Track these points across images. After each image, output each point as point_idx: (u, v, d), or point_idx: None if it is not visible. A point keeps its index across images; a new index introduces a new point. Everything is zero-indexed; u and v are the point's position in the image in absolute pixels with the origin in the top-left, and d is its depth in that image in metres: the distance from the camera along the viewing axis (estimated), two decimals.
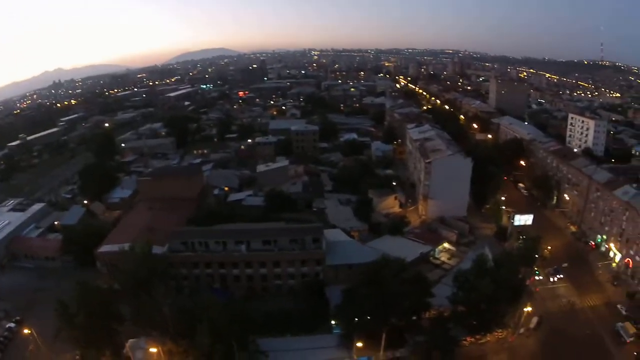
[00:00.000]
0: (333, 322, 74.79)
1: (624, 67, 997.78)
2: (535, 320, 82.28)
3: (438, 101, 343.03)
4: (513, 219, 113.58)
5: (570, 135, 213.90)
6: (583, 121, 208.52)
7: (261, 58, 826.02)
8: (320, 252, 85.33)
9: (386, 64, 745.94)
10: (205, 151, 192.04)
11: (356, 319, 69.51)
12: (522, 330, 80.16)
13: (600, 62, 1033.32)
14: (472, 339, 77.14)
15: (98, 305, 63.27)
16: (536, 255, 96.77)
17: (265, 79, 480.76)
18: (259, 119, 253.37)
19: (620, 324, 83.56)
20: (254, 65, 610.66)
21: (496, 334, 78.48)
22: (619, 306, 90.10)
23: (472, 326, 76.88)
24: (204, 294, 73.17)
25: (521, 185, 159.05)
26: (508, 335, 78.98)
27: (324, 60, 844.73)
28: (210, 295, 69.82)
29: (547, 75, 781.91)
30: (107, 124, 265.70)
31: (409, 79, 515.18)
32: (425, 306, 75.24)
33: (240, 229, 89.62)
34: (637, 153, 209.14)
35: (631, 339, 79.60)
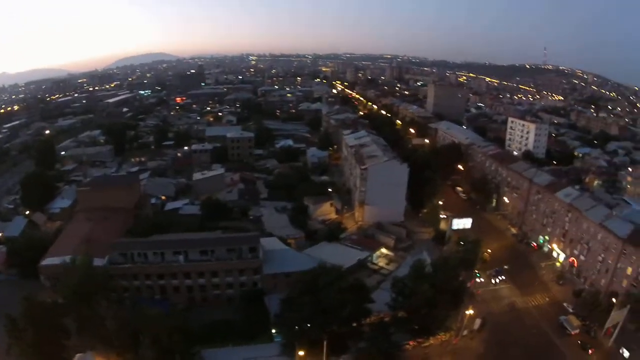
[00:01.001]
0: (274, 330, 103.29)
1: (567, 70, 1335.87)
2: (478, 322, 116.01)
3: (375, 106, 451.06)
4: (451, 222, 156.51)
5: (510, 139, 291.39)
6: (523, 125, 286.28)
7: (199, 63, 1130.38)
8: (258, 261, 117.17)
9: (324, 69, 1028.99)
10: (143, 159, 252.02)
11: (297, 328, 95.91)
12: (465, 333, 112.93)
13: (543, 66, 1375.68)
14: (415, 343, 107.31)
15: (45, 320, 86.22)
16: (476, 258, 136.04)
17: (203, 84, 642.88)
18: (195, 126, 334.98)
19: (563, 317, 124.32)
20: (192, 71, 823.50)
21: (439, 337, 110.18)
22: (565, 304, 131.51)
23: (414, 330, 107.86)
24: (144, 306, 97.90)
25: (460, 189, 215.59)
26: (451, 337, 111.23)
27: (262, 65, 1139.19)
28: (150, 307, 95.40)
29: (488, 79, 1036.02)
30: (47, 131, 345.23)
31: (346, 84, 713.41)
32: (365, 312, 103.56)
33: (178, 240, 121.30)
34: (580, 155, 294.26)
35: (576, 330, 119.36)
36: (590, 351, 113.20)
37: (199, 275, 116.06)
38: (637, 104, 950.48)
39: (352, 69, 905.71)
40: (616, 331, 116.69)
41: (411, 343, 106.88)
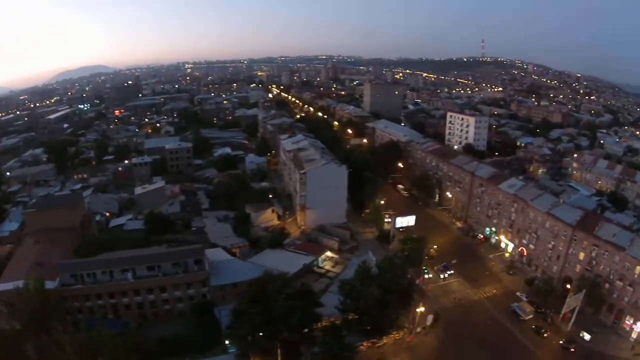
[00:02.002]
0: (227, 342, 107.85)
1: (506, 61, 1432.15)
2: (430, 317, 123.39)
3: (311, 109, 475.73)
4: (394, 221, 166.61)
5: (449, 133, 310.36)
6: (462, 118, 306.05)
7: (136, 74, 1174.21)
8: (204, 274, 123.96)
9: (259, 74, 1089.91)
10: (85, 175, 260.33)
11: (249, 337, 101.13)
12: (419, 329, 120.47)
13: (481, 59, 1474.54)
14: (369, 344, 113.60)
15: (4, 348, 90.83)
16: (422, 255, 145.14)
17: (140, 95, 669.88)
18: (134, 139, 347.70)
19: (515, 304, 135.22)
20: (129, 82, 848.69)
21: (393, 335, 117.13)
22: (518, 293, 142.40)
23: (366, 331, 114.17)
24: (98, 327, 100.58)
25: (401, 187, 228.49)
26: (405, 335, 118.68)
27: (197, 73, 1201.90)
28: (104, 328, 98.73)
29: (425, 74, 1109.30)
30: None
31: (282, 87, 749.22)
32: (315, 318, 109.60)
33: (125, 257, 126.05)
34: (522, 144, 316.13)
35: (529, 316, 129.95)
36: (545, 335, 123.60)
37: (148, 292, 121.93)
38: (580, 91, 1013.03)
39: (287, 72, 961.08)
40: (574, 315, 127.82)
41: (365, 344, 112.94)
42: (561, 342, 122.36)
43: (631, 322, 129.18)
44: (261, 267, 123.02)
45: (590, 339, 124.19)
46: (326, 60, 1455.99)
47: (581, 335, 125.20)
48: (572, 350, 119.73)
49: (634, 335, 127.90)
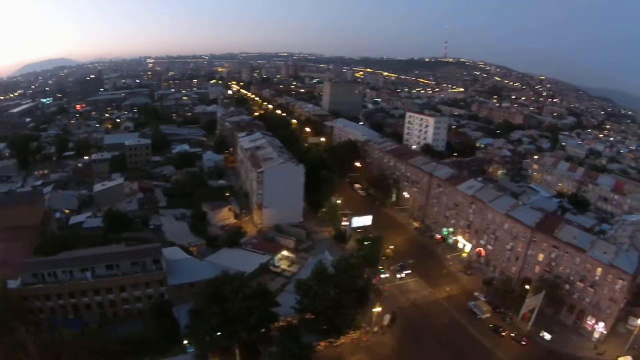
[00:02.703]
0: (186, 341, 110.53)
1: (468, 62, 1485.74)
2: (387, 317, 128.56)
3: (271, 106, 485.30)
4: (351, 220, 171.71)
5: (408, 133, 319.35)
6: (422, 119, 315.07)
7: (98, 68, 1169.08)
8: (162, 273, 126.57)
9: (219, 70, 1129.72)
10: (46, 172, 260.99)
11: (207, 337, 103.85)
12: (376, 329, 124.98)
13: (443, 59, 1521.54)
14: (326, 343, 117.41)
15: None
16: (379, 255, 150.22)
17: (102, 90, 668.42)
18: (94, 134, 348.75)
19: (472, 303, 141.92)
20: (92, 76, 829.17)
21: (350, 335, 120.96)
22: (476, 293, 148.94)
23: (323, 331, 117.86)
24: (59, 327, 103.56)
25: (358, 186, 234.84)
26: (362, 335, 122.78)
27: (159, 68, 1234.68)
28: (65, 328, 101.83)
29: (385, 74, 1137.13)
30: None
31: (242, 84, 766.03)
32: (272, 318, 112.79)
33: (84, 256, 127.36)
34: (482, 145, 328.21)
35: (486, 315, 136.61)
36: (503, 334, 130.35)
37: (107, 291, 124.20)
38: (543, 93, 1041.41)
39: (247, 68, 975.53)
40: (533, 315, 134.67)
41: (322, 344, 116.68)
42: (512, 334, 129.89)
43: (593, 322, 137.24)
44: (218, 267, 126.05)
45: (551, 338, 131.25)
46: (287, 57, 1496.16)
47: (541, 334, 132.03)
48: (524, 343, 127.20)
49: (596, 335, 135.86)
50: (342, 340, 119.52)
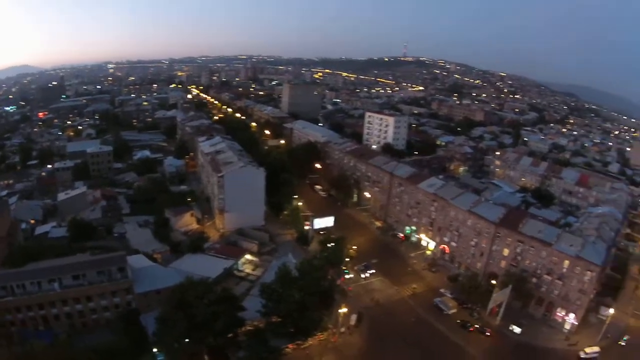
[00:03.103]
0: (155, 349, 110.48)
1: (428, 61, 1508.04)
2: (354, 317, 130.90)
3: (230, 109, 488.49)
4: (312, 222, 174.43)
5: (368, 133, 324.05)
6: (381, 118, 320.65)
7: (60, 74, 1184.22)
8: (128, 281, 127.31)
9: (179, 74, 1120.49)
10: (11, 181, 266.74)
11: (175, 344, 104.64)
12: (343, 330, 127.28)
13: (402, 58, 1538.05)
14: (294, 346, 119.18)
15: None
16: (342, 256, 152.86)
17: (64, 97, 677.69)
18: (57, 142, 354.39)
19: (438, 299, 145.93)
20: (54, 83, 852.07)
21: (317, 337, 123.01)
22: (442, 290, 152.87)
23: (290, 334, 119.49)
24: (30, 340, 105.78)
25: (319, 187, 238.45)
26: (330, 336, 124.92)
27: (119, 73, 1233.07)
28: (35, 340, 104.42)
29: (344, 74, 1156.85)
30: None
31: (201, 88, 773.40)
32: (238, 322, 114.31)
33: (51, 266, 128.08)
34: (443, 143, 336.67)
35: (453, 310, 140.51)
36: (471, 329, 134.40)
37: (75, 301, 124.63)
38: (505, 90, 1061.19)
39: (207, 72, 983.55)
40: (501, 310, 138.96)
41: (290, 346, 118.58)
42: (477, 326, 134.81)
43: (563, 314, 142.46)
44: (183, 273, 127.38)
45: (521, 331, 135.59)
46: (246, 60, 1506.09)
47: (511, 328, 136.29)
48: (488, 334, 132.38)
49: (567, 327, 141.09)
50: (310, 342, 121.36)
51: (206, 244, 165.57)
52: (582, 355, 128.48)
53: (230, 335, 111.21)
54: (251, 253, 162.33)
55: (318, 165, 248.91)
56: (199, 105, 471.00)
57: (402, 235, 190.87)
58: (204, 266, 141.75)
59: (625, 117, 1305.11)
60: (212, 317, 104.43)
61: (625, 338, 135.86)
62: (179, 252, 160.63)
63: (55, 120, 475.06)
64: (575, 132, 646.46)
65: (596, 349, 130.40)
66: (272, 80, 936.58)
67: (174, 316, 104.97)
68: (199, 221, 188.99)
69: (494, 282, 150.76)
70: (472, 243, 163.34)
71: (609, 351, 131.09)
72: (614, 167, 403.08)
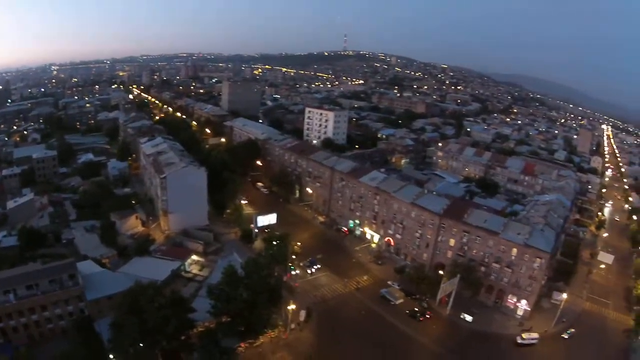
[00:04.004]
0: (111, 356, 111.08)
1: (368, 54, 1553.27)
2: (303, 313, 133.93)
3: (171, 109, 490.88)
4: (256, 220, 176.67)
5: (308, 129, 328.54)
6: (321, 113, 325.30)
7: (6, 78, 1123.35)
8: (79, 289, 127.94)
9: (121, 74, 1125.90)
10: None
11: (130, 350, 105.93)
12: (293, 326, 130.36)
13: (342, 52, 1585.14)
14: (247, 345, 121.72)
15: None
16: (287, 253, 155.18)
17: (9, 101, 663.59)
18: (4, 148, 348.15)
19: (384, 289, 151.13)
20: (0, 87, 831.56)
21: (269, 334, 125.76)
22: (389, 282, 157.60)
23: (241, 333, 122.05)
24: None
25: (261, 184, 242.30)
26: (281, 333, 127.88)
27: (63, 75, 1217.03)
28: None
29: (284, 70, 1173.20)
30: None
31: (143, 87, 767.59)
32: (189, 324, 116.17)
33: (6, 277, 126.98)
34: (384, 136, 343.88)
35: (400, 300, 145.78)
36: (421, 319, 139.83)
37: (30, 312, 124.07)
38: (446, 81, 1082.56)
39: (148, 71, 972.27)
40: (451, 299, 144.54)
41: (242, 345, 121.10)
42: (415, 309, 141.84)
43: (514, 300, 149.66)
44: (132, 277, 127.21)
45: (473, 320, 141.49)
46: (187, 58, 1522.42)
47: (462, 317, 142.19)
48: (428, 316, 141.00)
49: (520, 313, 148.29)
50: (262, 340, 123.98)
51: (152, 247, 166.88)
52: (519, 340, 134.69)
53: (182, 337, 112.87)
54: (197, 253, 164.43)
55: (259, 163, 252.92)
56: (141, 106, 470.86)
57: (345, 229, 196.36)
58: (152, 269, 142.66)
59: (572, 106, 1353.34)
60: (164, 320, 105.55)
61: (569, 332, 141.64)
62: (127, 256, 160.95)
63: (2, 126, 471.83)
64: (519, 122, 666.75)
65: (535, 334, 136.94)
66: (213, 77, 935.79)
67: (126, 322, 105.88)
68: (144, 223, 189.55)
69: (441, 272, 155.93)
70: (417, 235, 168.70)
71: (554, 340, 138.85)
72: (561, 155, 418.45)
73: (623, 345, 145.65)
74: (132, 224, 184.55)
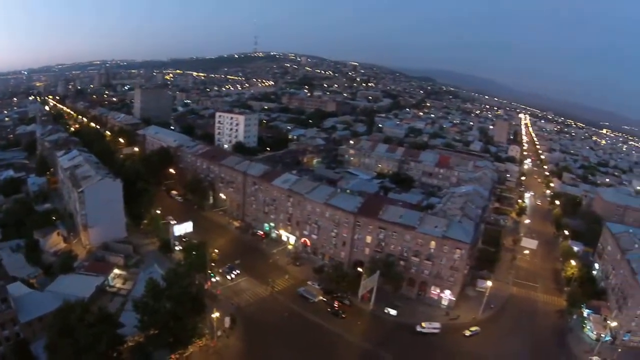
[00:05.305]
0: None
1: (279, 55, 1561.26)
2: (228, 320, 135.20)
3: (85, 119, 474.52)
4: (172, 230, 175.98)
5: (219, 133, 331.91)
6: (232, 117, 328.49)
7: None
8: (11, 312, 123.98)
9: (37, 84, 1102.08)
10: None
11: None
12: (219, 333, 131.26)
13: (253, 54, 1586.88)
14: (177, 356, 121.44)
15: None
16: (205, 260, 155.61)
17: None
18: None
19: (302, 288, 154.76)
20: None
21: (197, 343, 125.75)
22: (309, 282, 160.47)
23: (170, 344, 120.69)
24: None
25: (175, 192, 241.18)
26: (209, 341, 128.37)
27: None
28: None
29: (195, 74, 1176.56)
30: None
31: (58, 98, 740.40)
32: (119, 340, 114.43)
33: None
34: (295, 137, 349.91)
35: (319, 298, 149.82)
36: (344, 316, 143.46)
37: None
38: (357, 79, 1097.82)
39: (63, 81, 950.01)
40: (373, 295, 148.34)
41: (173, 357, 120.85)
42: (329, 309, 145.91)
43: (437, 291, 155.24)
44: (59, 296, 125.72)
45: (397, 313, 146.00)
46: (100, 65, 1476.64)
47: (386, 311, 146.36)
48: (336, 306, 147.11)
49: (445, 303, 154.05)
50: (191, 350, 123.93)
51: (76, 263, 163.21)
52: (418, 328, 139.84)
53: (114, 354, 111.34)
54: (119, 267, 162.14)
55: (173, 171, 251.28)
56: (57, 117, 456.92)
57: (262, 232, 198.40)
58: (78, 286, 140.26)
59: (488, 97, 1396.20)
60: (95, 338, 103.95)
61: (473, 329, 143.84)
62: (52, 274, 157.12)
63: None
64: (432, 115, 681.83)
65: (436, 324, 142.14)
66: (125, 85, 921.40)
67: (59, 342, 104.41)
68: (65, 239, 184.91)
69: (360, 269, 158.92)
70: (333, 234, 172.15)
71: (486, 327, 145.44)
72: (477, 146, 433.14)
73: (559, 325, 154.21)
74: (55, 241, 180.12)
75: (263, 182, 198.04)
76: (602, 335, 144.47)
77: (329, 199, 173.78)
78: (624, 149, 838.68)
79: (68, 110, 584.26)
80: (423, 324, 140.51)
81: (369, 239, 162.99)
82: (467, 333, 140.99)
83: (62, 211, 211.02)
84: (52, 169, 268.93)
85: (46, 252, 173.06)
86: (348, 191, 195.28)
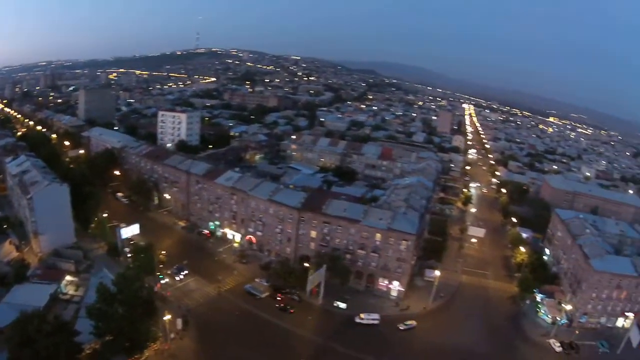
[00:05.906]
0: None
1: (221, 51, 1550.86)
2: (179, 321, 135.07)
3: (32, 123, 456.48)
4: (119, 233, 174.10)
5: (162, 132, 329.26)
6: (174, 116, 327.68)
7: None
8: None
9: None
10: None
11: None
12: (173, 336, 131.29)
13: (194, 51, 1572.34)
14: None
15: None
16: (153, 262, 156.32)
17: None
18: None
19: (249, 285, 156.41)
20: None
21: (152, 347, 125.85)
22: (257, 280, 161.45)
23: (126, 349, 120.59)
24: None
25: (120, 194, 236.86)
26: (162, 344, 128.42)
27: None
28: None
29: (138, 72, 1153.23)
30: None
31: (5, 101, 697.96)
32: (77, 349, 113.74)
33: None
34: (237, 134, 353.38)
35: (265, 294, 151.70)
36: (292, 311, 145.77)
37: None
38: (299, 73, 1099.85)
39: (10, 83, 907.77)
40: (321, 290, 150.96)
41: None
42: (277, 305, 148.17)
43: (386, 283, 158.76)
44: (16, 307, 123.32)
45: (347, 306, 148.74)
46: (45, 67, 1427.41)
47: (336, 305, 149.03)
48: (278, 298, 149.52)
49: (394, 294, 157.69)
50: (147, 354, 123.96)
51: (29, 272, 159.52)
52: (357, 319, 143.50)
53: None
54: (70, 273, 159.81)
55: (117, 172, 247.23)
56: (5, 122, 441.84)
57: (207, 231, 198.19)
58: (32, 295, 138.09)
59: (430, 88, 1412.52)
60: (54, 348, 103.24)
61: (407, 323, 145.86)
62: (8, 285, 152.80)
63: None
64: (375, 107, 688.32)
65: (375, 315, 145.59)
66: (70, 86, 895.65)
67: (20, 354, 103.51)
68: (17, 248, 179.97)
69: (307, 264, 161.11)
70: (278, 230, 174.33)
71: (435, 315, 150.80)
72: (420, 137, 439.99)
73: (512, 311, 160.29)
74: (7, 250, 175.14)
75: (206, 181, 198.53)
76: (557, 318, 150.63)
77: (273, 195, 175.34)
78: (572, 136, 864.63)
79: (15, 114, 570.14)
80: (362, 315, 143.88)
81: (313, 233, 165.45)
82: (402, 327, 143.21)
83: (13, 219, 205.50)
84: (0, 176, 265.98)
85: (0, 262, 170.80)
86: (291, 186, 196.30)
